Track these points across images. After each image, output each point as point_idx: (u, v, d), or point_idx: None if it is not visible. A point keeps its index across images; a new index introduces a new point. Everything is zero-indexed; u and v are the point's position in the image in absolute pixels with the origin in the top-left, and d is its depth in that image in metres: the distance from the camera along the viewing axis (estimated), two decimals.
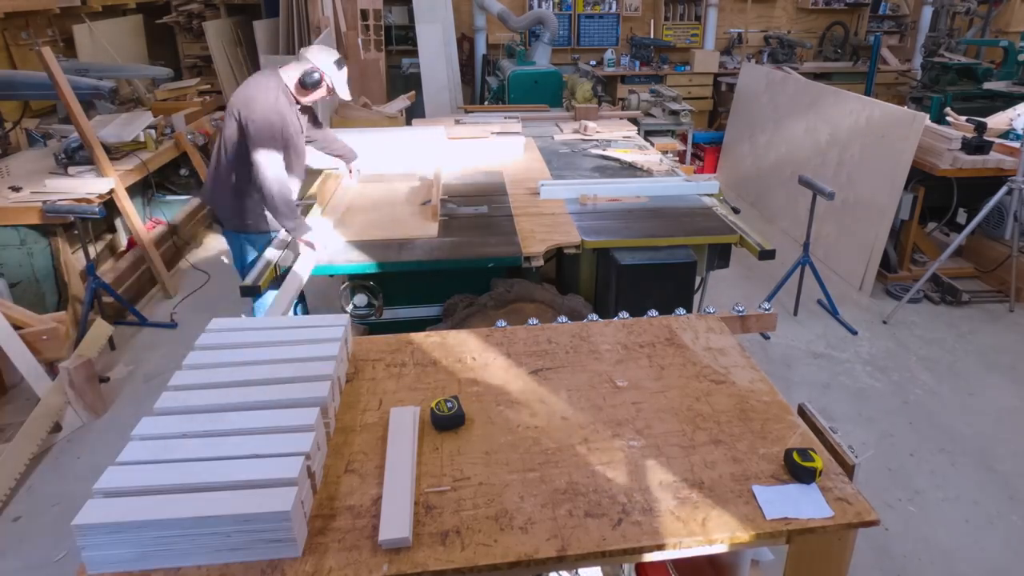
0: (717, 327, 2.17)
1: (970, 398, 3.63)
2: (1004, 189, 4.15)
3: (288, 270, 2.76)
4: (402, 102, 6.34)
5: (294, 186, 3.24)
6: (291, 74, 3.07)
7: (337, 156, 3.65)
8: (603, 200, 3.38)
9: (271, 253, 2.97)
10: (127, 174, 4.53)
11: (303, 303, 3.73)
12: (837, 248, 5.00)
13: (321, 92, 3.11)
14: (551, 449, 1.62)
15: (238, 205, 3.18)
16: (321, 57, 3.05)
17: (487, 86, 7.78)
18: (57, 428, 3.33)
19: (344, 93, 3.16)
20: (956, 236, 4.44)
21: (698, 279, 3.13)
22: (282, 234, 3.12)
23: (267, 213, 3.14)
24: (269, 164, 2.95)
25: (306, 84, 3.03)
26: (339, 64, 3.09)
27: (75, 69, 4.96)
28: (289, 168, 3.14)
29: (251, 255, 3.29)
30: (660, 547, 1.37)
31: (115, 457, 1.45)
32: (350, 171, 3.66)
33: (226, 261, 5.40)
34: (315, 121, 3.49)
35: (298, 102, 3.15)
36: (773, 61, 8.57)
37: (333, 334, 1.92)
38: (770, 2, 8.98)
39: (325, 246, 2.92)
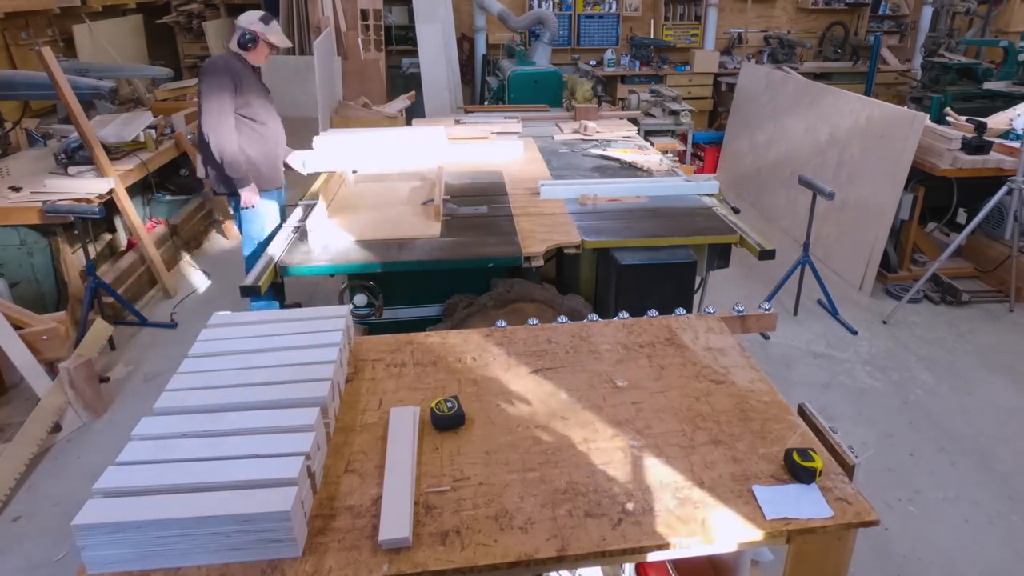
0: (717, 327, 2.17)
1: (970, 398, 3.63)
2: (1004, 189, 4.15)
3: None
4: (402, 102, 6.34)
5: (280, 140, 3.81)
6: (234, 42, 3.60)
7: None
8: (603, 200, 3.38)
9: (274, 249, 2.95)
10: (127, 174, 4.53)
11: (281, 297, 3.86)
12: (837, 248, 5.00)
13: (263, 48, 3.62)
14: (551, 449, 1.62)
15: (218, 171, 3.64)
16: (247, 18, 3.57)
17: (487, 86, 7.79)
18: (57, 428, 3.33)
19: (280, 41, 3.64)
20: (956, 236, 4.44)
21: (698, 279, 3.13)
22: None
23: (258, 170, 3.68)
24: (211, 118, 3.46)
25: (243, 45, 3.56)
26: (265, 20, 3.57)
27: (75, 69, 4.97)
28: (262, 122, 3.66)
29: (254, 220, 3.78)
30: (660, 547, 1.37)
31: (115, 457, 1.45)
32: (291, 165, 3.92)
33: (226, 261, 5.40)
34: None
35: (254, 68, 3.68)
36: (773, 61, 8.57)
37: (333, 337, 1.92)
38: (770, 2, 8.99)
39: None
